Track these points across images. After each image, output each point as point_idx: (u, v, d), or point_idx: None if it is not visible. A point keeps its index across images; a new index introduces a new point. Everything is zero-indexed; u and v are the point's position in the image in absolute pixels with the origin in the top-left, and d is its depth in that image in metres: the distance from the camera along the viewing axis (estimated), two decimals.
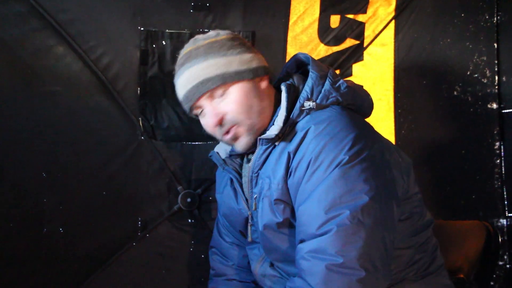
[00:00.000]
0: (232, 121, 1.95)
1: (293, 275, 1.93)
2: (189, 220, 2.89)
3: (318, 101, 1.91)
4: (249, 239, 2.16)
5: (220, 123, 1.95)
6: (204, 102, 1.96)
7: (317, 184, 1.75)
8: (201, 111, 2.01)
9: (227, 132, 1.98)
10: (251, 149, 2.01)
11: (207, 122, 1.99)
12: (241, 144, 2.00)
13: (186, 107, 2.03)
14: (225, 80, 1.91)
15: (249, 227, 2.15)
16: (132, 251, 2.83)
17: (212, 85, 1.91)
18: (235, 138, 2.00)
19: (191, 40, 2.02)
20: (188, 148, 2.84)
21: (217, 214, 2.51)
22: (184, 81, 1.96)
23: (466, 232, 2.58)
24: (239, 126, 1.96)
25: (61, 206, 2.69)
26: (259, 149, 1.95)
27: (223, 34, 2.00)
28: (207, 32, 2.07)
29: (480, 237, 2.53)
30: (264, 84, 2.00)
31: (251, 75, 1.95)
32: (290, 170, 1.84)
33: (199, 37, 2.01)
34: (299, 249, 1.77)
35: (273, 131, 1.88)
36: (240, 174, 2.15)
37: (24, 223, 2.64)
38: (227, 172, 2.17)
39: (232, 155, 2.19)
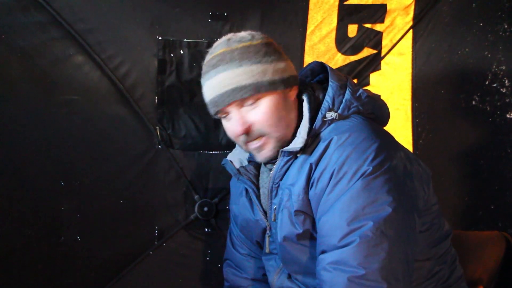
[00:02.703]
0: (260, 132, 1.90)
1: (312, 287, 1.92)
2: (206, 229, 2.89)
3: (339, 111, 1.90)
4: (267, 250, 2.14)
5: (247, 132, 1.90)
6: (233, 108, 1.89)
7: (340, 195, 1.74)
8: (227, 115, 1.94)
9: (252, 141, 1.94)
10: (272, 160, 2.00)
11: (233, 128, 1.93)
12: (264, 156, 1.96)
13: (211, 110, 1.96)
14: (259, 90, 1.85)
15: (266, 239, 2.13)
16: (148, 260, 2.84)
17: (245, 94, 1.84)
18: (260, 148, 1.95)
19: (224, 40, 1.93)
20: (205, 157, 2.84)
21: (229, 225, 2.50)
22: (215, 85, 1.88)
23: (485, 242, 2.55)
24: (267, 138, 1.92)
25: (79, 215, 2.70)
26: (281, 160, 1.94)
27: (258, 38, 1.92)
28: (231, 34, 1.98)
29: (499, 247, 2.51)
30: (293, 95, 1.96)
31: (283, 86, 1.89)
32: (312, 181, 1.83)
33: (233, 38, 1.92)
34: (320, 260, 1.75)
35: (297, 143, 1.86)
36: (255, 185, 2.14)
37: (42, 231, 2.65)
38: (242, 182, 2.16)
39: (250, 161, 2.18)
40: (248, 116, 1.89)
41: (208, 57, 1.93)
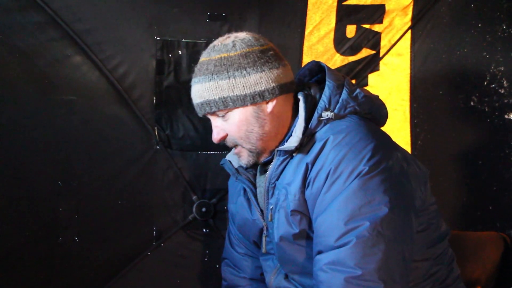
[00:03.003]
0: (233, 142, 1.96)
1: (309, 287, 1.92)
2: (204, 230, 2.90)
3: (336, 111, 1.89)
4: (263, 250, 2.14)
5: (223, 139, 1.96)
6: (210, 116, 1.96)
7: (336, 195, 1.73)
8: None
9: (231, 148, 2.01)
10: (268, 159, 2.00)
11: (212, 135, 2.00)
12: (243, 162, 2.02)
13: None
14: (226, 105, 1.87)
15: (263, 238, 2.13)
16: (146, 261, 2.84)
17: (214, 108, 1.88)
18: (239, 156, 2.01)
19: (211, 47, 1.95)
20: (203, 158, 2.84)
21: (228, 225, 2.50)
22: (193, 93, 1.94)
23: (483, 243, 2.55)
24: (240, 147, 1.97)
25: (77, 215, 2.70)
26: (277, 160, 1.94)
27: (238, 48, 1.89)
28: (227, 36, 1.98)
29: (497, 248, 2.51)
30: (271, 106, 1.92)
31: (252, 100, 1.88)
32: (308, 181, 1.83)
33: (217, 45, 1.93)
34: (317, 260, 1.75)
35: (292, 142, 1.86)
36: (254, 184, 2.14)
37: (40, 231, 2.65)
38: (240, 182, 2.16)
39: None
40: (222, 126, 1.94)
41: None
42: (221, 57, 1.88)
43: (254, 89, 1.87)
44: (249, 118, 1.90)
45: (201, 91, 1.89)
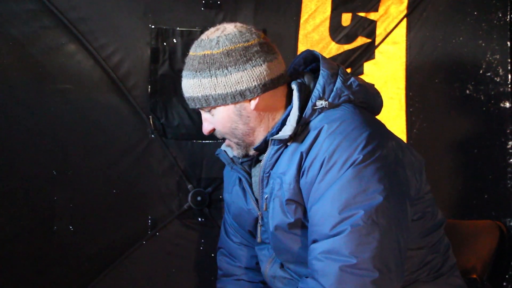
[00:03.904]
0: (221, 135, 1.99)
1: (305, 276, 1.91)
2: (199, 219, 2.89)
3: (330, 99, 1.88)
4: (259, 239, 2.14)
5: (212, 132, 1.99)
6: (200, 110, 1.98)
7: (330, 184, 1.73)
8: None
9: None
10: (262, 149, 1.99)
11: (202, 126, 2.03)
12: (235, 153, 2.05)
13: None
14: (209, 103, 1.89)
15: (258, 228, 2.12)
16: (142, 250, 2.84)
17: (197, 104, 1.91)
18: (229, 147, 2.05)
19: (198, 41, 1.95)
20: (198, 147, 2.84)
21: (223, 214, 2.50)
22: (182, 87, 1.96)
23: (478, 232, 2.55)
24: (228, 140, 2.00)
25: (71, 204, 2.70)
26: (271, 149, 1.92)
27: (221, 45, 1.87)
28: (216, 28, 1.95)
29: (493, 237, 2.50)
30: (253, 104, 1.91)
31: (233, 99, 1.88)
32: (302, 170, 1.82)
33: (204, 40, 1.92)
34: (311, 249, 1.75)
35: (286, 131, 1.85)
36: (249, 174, 2.13)
37: (34, 221, 2.65)
38: (235, 171, 2.15)
39: None
40: (210, 120, 1.96)
41: None
42: (204, 54, 1.88)
43: (236, 88, 1.87)
44: (231, 115, 1.91)
45: (186, 86, 1.92)
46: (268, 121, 1.96)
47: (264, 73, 1.88)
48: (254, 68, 1.87)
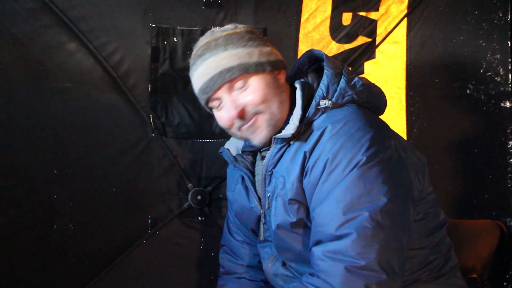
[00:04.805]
0: (254, 111, 1.90)
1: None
2: (199, 218, 2.89)
3: (334, 99, 1.88)
4: (261, 237, 2.14)
5: (241, 115, 1.90)
6: (223, 93, 1.90)
7: (334, 185, 1.73)
8: (219, 104, 1.95)
9: (247, 123, 1.93)
10: (267, 145, 1.98)
11: (226, 114, 1.93)
12: (259, 137, 1.94)
13: (202, 99, 1.97)
14: (247, 70, 1.87)
15: (261, 226, 2.13)
16: (142, 249, 2.84)
17: (233, 75, 1.86)
18: (254, 130, 1.94)
19: (208, 32, 1.97)
20: (198, 146, 2.84)
21: (227, 212, 2.49)
22: (202, 71, 1.90)
23: (479, 231, 2.55)
24: (260, 115, 1.91)
25: (72, 203, 2.70)
26: (274, 148, 1.93)
27: (240, 27, 1.97)
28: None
29: (493, 236, 2.51)
30: (282, 78, 1.98)
31: (271, 67, 1.92)
32: (305, 170, 1.82)
33: (216, 29, 1.97)
34: (316, 250, 1.74)
35: (289, 130, 1.86)
36: (252, 172, 2.13)
37: (35, 219, 2.66)
38: (238, 169, 2.16)
39: (244, 151, 2.17)
40: (240, 99, 1.90)
41: (194, 50, 1.98)
42: (228, 33, 1.93)
43: (269, 58, 1.94)
44: (269, 83, 1.92)
45: (216, 62, 1.88)
46: (288, 103, 1.98)
47: (279, 54, 2.01)
48: (273, 47, 2.00)
